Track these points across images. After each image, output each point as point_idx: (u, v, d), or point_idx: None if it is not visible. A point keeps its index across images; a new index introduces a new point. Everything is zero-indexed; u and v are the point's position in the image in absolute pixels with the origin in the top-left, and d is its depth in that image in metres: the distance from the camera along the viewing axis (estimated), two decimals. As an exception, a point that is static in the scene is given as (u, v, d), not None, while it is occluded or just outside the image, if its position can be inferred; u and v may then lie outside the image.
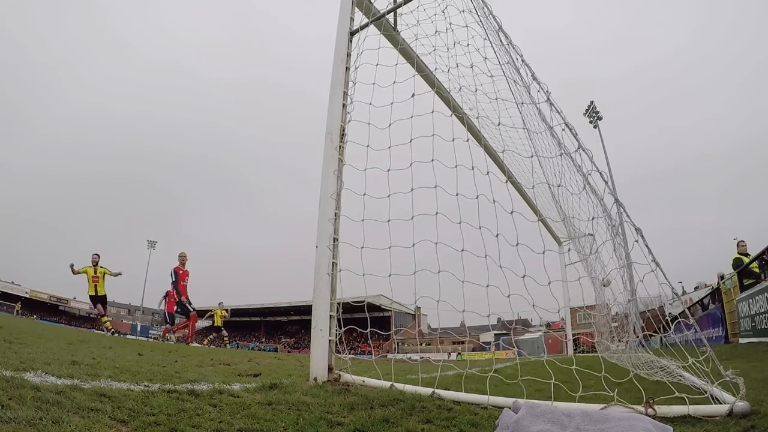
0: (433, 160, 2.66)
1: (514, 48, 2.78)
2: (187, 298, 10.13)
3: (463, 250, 2.37)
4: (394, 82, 3.04)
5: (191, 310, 10.25)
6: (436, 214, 2.51)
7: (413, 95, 2.95)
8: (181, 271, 10.09)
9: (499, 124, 3.06)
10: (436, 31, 3.31)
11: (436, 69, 3.42)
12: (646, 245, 2.01)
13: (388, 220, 2.70)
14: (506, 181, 2.52)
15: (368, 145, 2.90)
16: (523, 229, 2.32)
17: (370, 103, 3.02)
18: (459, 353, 29.57)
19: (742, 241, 9.65)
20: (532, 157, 3.52)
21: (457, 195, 2.48)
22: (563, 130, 2.44)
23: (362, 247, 2.68)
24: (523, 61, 2.72)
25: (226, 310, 16.09)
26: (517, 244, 2.25)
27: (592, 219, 2.49)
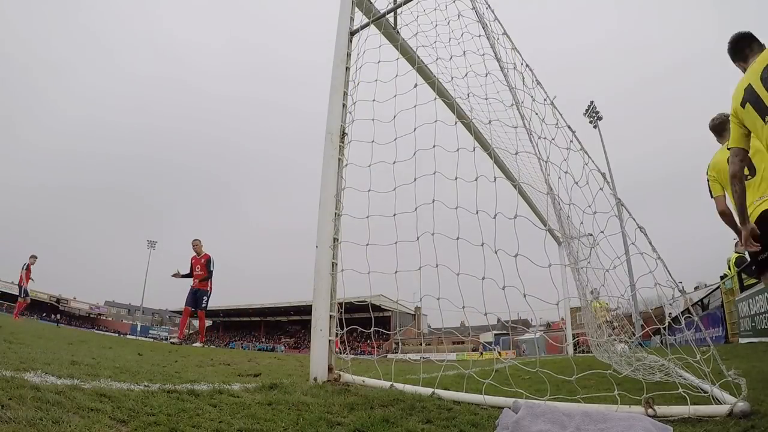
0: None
1: (518, 53, 2.81)
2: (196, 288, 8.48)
3: (458, 239, 2.36)
4: (395, 77, 3.06)
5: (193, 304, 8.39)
6: (433, 202, 2.51)
7: (415, 85, 2.98)
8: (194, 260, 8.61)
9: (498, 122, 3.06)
10: (436, 28, 3.31)
11: (436, 59, 3.42)
12: (650, 243, 2.01)
13: (394, 214, 2.69)
14: (515, 185, 2.52)
15: (374, 141, 2.91)
16: (525, 229, 2.32)
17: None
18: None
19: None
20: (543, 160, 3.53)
21: (456, 179, 2.50)
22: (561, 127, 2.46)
23: (367, 245, 2.68)
24: (527, 66, 2.75)
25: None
26: (517, 252, 2.25)
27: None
